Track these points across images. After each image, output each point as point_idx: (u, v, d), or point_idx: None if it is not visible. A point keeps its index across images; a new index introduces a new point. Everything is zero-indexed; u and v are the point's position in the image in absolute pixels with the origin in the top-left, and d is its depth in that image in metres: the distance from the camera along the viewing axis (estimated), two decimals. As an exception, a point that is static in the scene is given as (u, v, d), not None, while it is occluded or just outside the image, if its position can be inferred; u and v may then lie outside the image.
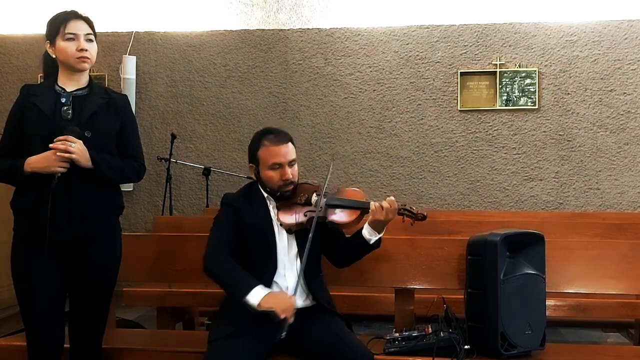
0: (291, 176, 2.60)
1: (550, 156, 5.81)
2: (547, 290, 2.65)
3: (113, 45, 6.23)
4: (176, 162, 5.78)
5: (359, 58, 6.05)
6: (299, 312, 2.43)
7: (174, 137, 5.74)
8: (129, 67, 6.11)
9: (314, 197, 2.60)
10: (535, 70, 5.81)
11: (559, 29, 5.81)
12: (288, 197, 2.63)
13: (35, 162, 2.35)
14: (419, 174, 5.96)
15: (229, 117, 6.19)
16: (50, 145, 2.32)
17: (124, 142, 2.56)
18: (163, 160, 5.75)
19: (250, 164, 2.69)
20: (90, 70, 2.56)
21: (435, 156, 5.95)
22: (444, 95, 5.94)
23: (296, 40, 6.11)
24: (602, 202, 5.75)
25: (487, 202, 5.88)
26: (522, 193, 5.85)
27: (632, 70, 5.73)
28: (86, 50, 2.44)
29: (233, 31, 6.19)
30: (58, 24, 2.45)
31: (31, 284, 2.38)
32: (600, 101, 5.76)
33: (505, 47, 5.87)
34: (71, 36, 2.44)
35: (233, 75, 6.19)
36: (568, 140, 5.79)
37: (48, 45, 2.49)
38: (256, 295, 2.38)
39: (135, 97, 6.13)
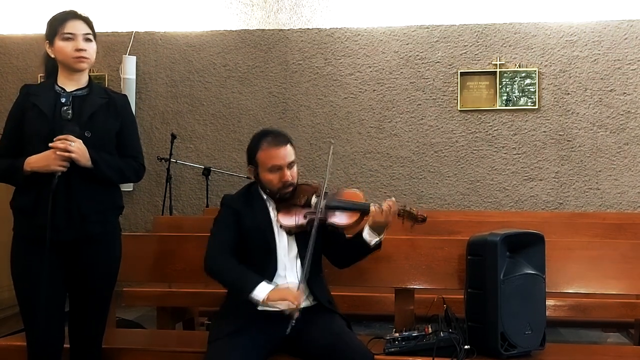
0: (290, 178, 2.59)
1: (550, 156, 5.81)
2: (547, 290, 2.65)
3: (113, 45, 6.23)
4: (176, 162, 5.79)
5: (359, 58, 6.05)
6: (300, 312, 2.43)
7: (174, 137, 5.74)
8: (129, 67, 6.11)
9: (314, 199, 2.59)
10: (535, 70, 5.81)
11: (559, 29, 5.82)
12: (287, 199, 2.62)
13: (35, 161, 2.35)
14: (419, 174, 5.96)
15: (229, 117, 6.19)
16: (50, 144, 2.32)
17: (124, 142, 2.55)
18: (163, 160, 5.75)
19: (249, 166, 2.68)
20: (90, 70, 2.56)
21: (435, 156, 5.95)
22: (444, 95, 5.94)
23: (296, 40, 6.11)
24: (602, 202, 5.75)
25: (487, 202, 5.88)
26: (522, 193, 5.85)
27: (632, 70, 5.73)
28: (84, 50, 2.44)
29: (233, 31, 6.19)
30: (56, 24, 2.45)
31: (31, 284, 2.38)
32: (600, 101, 5.76)
33: (505, 47, 5.88)
34: (69, 36, 2.43)
35: (233, 75, 6.19)
36: (568, 140, 5.80)
37: (47, 45, 2.48)
38: (262, 291, 2.38)
39: (135, 97, 6.13)
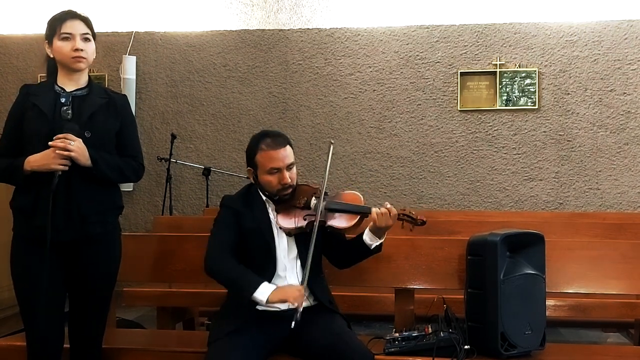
0: (290, 180, 2.59)
1: (550, 156, 5.81)
2: (547, 290, 2.65)
3: (113, 45, 6.23)
4: (176, 162, 5.79)
5: (359, 58, 6.05)
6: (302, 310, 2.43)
7: (174, 137, 5.74)
8: (129, 67, 6.11)
9: (313, 201, 2.59)
10: (535, 70, 5.81)
11: (559, 29, 5.81)
12: (287, 200, 2.62)
13: (35, 160, 2.35)
14: (419, 174, 5.96)
15: (229, 117, 6.19)
16: (50, 142, 2.32)
17: (123, 142, 2.55)
18: (163, 160, 5.75)
19: (249, 168, 2.68)
20: (90, 70, 2.56)
21: (435, 156, 5.94)
22: (444, 95, 5.94)
23: (296, 40, 6.11)
24: (602, 202, 5.75)
25: (487, 202, 5.88)
26: (522, 193, 5.85)
27: (632, 70, 5.73)
28: (81, 50, 2.44)
29: (233, 31, 6.19)
30: (55, 24, 2.45)
31: (31, 284, 2.38)
32: (600, 101, 5.76)
33: (505, 47, 5.88)
34: (67, 36, 2.43)
35: (233, 75, 6.19)
36: (568, 140, 5.79)
37: (46, 45, 2.49)
38: (264, 291, 2.38)
39: (135, 97, 6.13)
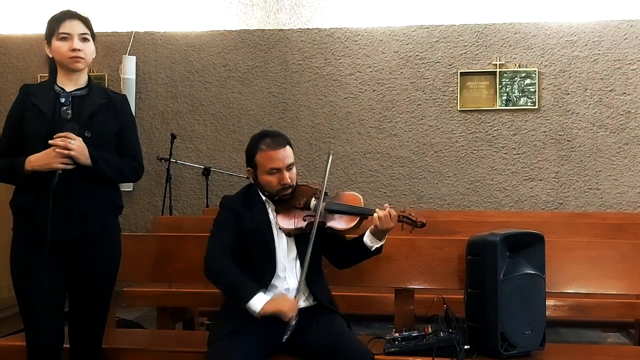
0: (289, 180, 2.59)
1: (550, 156, 5.81)
2: (547, 290, 2.65)
3: (113, 45, 6.23)
4: (176, 162, 5.79)
5: (359, 58, 6.05)
6: (300, 312, 2.44)
7: (173, 137, 5.74)
8: (129, 67, 6.11)
9: (313, 201, 2.59)
10: (535, 70, 5.81)
11: (559, 29, 5.81)
12: (287, 201, 2.62)
13: (36, 160, 2.35)
14: (418, 174, 5.96)
15: (229, 117, 6.19)
16: (50, 141, 2.32)
17: (123, 142, 2.55)
18: (163, 160, 5.75)
19: (248, 168, 2.68)
20: (90, 70, 2.56)
21: (435, 156, 5.94)
22: (444, 95, 5.94)
23: (296, 40, 6.11)
24: (602, 202, 5.75)
25: (487, 202, 5.88)
26: (522, 193, 5.85)
27: (632, 70, 5.73)
28: (79, 50, 2.43)
29: (233, 31, 6.19)
30: (54, 24, 2.45)
31: (31, 284, 2.38)
32: (600, 101, 5.76)
33: (505, 47, 5.87)
34: (65, 36, 2.43)
35: (233, 75, 6.19)
36: (568, 140, 5.79)
37: (46, 45, 2.49)
38: (258, 302, 2.38)
39: (135, 97, 6.13)
